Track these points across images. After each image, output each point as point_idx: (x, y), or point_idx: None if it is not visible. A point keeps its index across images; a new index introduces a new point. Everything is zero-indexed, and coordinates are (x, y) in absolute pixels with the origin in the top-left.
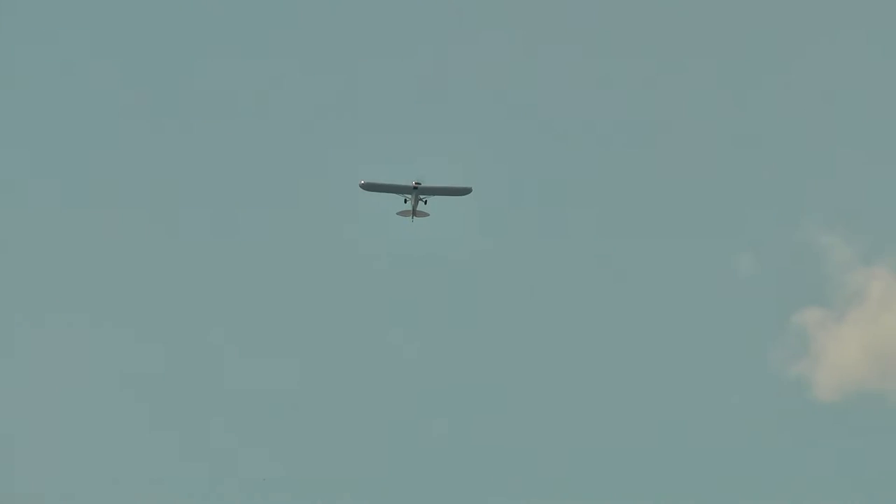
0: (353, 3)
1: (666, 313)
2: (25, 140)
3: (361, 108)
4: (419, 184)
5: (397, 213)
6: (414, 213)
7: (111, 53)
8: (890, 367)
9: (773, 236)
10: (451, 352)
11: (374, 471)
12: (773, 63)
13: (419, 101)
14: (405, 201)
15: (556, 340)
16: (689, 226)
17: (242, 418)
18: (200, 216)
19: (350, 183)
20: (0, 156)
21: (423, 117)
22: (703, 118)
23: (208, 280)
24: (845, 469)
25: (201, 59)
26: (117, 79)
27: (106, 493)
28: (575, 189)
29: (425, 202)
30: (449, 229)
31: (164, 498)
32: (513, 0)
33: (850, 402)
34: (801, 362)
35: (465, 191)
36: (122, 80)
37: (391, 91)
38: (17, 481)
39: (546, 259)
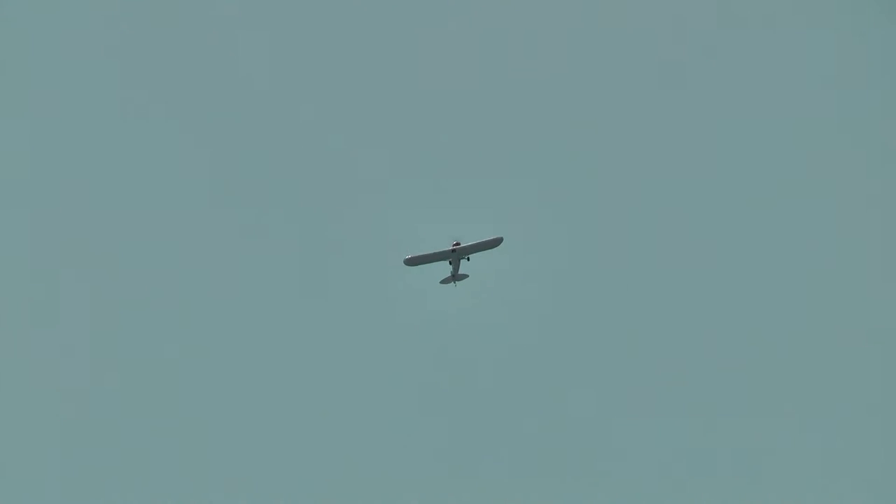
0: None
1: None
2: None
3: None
4: (458, 244)
5: (440, 282)
6: (455, 277)
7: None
8: None
9: None
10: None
11: None
12: None
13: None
14: (450, 263)
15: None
16: None
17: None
18: (249, 308)
19: (390, 259)
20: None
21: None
22: None
23: (259, 369)
24: None
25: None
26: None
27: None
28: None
29: (468, 259)
30: (493, 288)
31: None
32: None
33: None
34: None
35: (496, 242)
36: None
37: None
38: None
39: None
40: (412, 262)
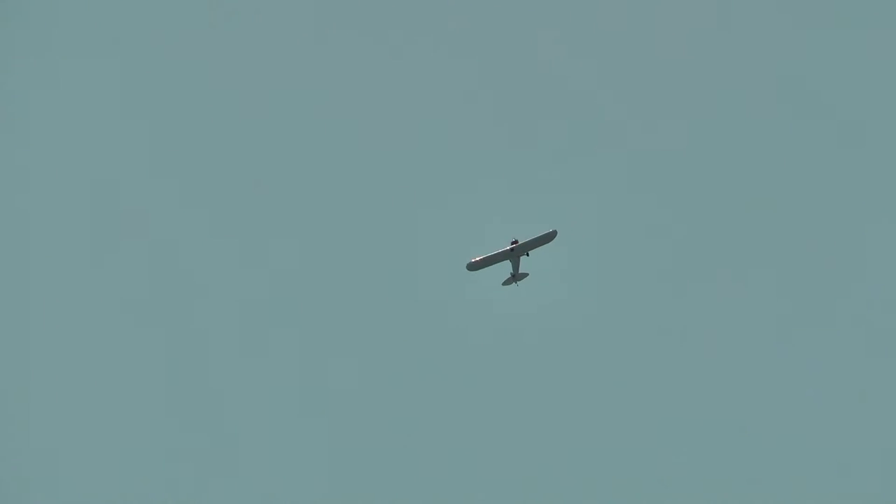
0: None
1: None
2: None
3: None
4: (517, 241)
5: (503, 284)
6: (516, 277)
7: None
8: None
9: None
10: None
11: None
12: None
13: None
14: (510, 262)
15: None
16: None
17: None
18: (309, 304)
19: (450, 262)
20: None
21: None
22: None
23: (329, 377)
24: None
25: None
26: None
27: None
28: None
29: (528, 255)
30: (553, 285)
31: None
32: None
33: None
34: None
35: (551, 236)
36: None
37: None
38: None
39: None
40: (474, 266)
